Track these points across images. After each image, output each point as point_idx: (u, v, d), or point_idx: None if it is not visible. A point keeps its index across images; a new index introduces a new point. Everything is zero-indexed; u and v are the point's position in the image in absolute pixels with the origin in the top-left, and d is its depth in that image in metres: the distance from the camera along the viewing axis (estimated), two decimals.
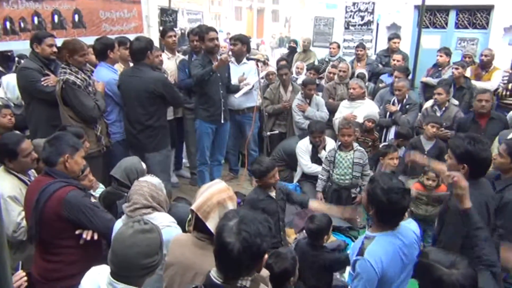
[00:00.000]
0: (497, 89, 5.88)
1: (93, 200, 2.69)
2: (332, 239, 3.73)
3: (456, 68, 5.75)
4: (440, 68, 6.35)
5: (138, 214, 2.33)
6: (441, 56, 6.33)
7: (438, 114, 5.12)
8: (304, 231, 4.05)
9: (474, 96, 5.07)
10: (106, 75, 4.26)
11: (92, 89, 3.99)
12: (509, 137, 3.75)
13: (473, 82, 6.08)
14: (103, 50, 4.28)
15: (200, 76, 4.76)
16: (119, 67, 4.60)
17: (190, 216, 2.28)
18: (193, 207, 2.10)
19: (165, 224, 2.33)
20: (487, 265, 2.04)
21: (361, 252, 2.18)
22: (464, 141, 2.52)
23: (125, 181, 2.86)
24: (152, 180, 2.54)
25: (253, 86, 5.44)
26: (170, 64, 5.40)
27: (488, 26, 7.63)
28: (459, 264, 1.72)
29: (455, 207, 2.32)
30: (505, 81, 5.92)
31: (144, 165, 2.99)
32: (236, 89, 5.41)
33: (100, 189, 3.35)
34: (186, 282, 1.96)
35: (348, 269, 3.56)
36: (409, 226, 2.33)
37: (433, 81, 6.05)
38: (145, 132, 4.25)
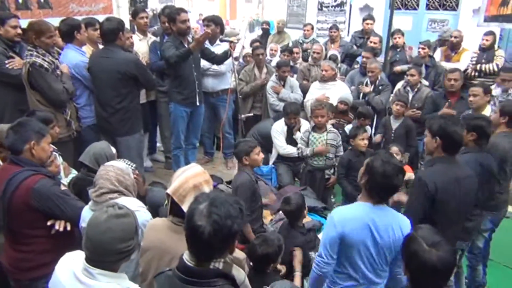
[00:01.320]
0: (466, 69, 6.01)
1: (62, 187, 2.62)
2: (307, 220, 3.78)
3: (423, 48, 5.88)
4: (398, 49, 6.48)
5: (105, 199, 2.30)
6: (399, 37, 6.49)
7: (411, 95, 5.21)
8: (279, 212, 4.09)
9: (444, 74, 5.20)
10: (74, 58, 4.12)
11: (61, 71, 3.86)
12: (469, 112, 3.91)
13: (443, 63, 6.22)
14: (69, 32, 4.13)
15: (177, 57, 4.59)
16: (87, 49, 4.45)
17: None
18: (168, 191, 2.08)
19: (133, 208, 2.30)
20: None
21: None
22: (440, 119, 2.68)
23: (94, 167, 2.79)
24: (118, 164, 2.50)
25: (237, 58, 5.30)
26: (141, 46, 5.27)
27: (458, 8, 7.75)
28: (441, 247, 1.76)
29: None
30: (474, 62, 6.07)
31: (114, 150, 2.93)
32: (225, 54, 5.22)
33: (72, 174, 3.27)
34: (163, 266, 1.96)
35: None
36: (400, 219, 2.34)
37: (405, 67, 6.13)
38: (116, 115, 4.16)
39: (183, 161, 5.16)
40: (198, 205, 1.59)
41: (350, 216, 2.26)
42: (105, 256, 1.70)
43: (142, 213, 2.35)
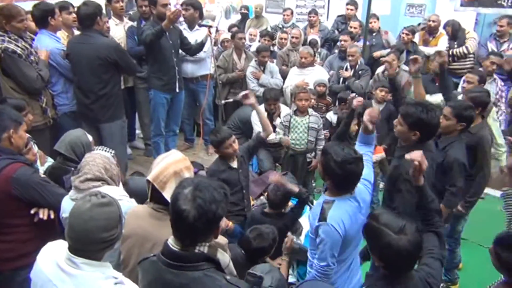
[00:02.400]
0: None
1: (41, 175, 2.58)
2: (289, 204, 3.81)
3: (407, 34, 5.92)
4: (374, 34, 6.54)
5: (87, 187, 2.28)
6: (373, 22, 6.49)
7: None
8: (261, 197, 4.12)
9: (432, 59, 5.23)
10: (48, 45, 4.02)
11: (35, 58, 3.76)
12: (459, 98, 3.92)
13: (421, 47, 6.29)
14: (43, 17, 4.00)
15: (152, 35, 4.50)
16: (62, 34, 4.34)
17: None
18: (149, 177, 2.07)
19: (116, 197, 2.27)
20: (435, 230, 2.14)
21: (322, 218, 2.23)
22: (417, 109, 2.57)
23: (70, 155, 2.74)
24: (105, 153, 2.49)
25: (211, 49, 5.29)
26: (118, 31, 5.17)
27: None
28: (407, 230, 1.78)
29: (407, 175, 2.39)
30: (448, 46, 6.17)
31: (90, 138, 2.88)
32: (201, 45, 5.21)
33: (48, 163, 3.21)
34: (144, 253, 1.95)
35: (304, 232, 3.70)
36: (365, 186, 2.42)
37: (384, 52, 6.18)
38: (99, 101, 4.10)
39: (163, 148, 5.13)
40: (182, 189, 1.59)
41: (344, 216, 2.23)
42: (88, 245, 1.69)
43: (125, 202, 2.34)
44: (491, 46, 6.12)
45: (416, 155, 2.09)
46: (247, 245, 2.68)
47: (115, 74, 4.16)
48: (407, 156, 2.13)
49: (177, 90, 4.99)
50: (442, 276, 3.59)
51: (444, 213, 3.10)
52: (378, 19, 6.60)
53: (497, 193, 5.17)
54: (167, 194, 1.95)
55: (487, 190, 4.89)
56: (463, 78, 4.38)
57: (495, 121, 4.08)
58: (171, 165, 2.06)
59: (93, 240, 1.68)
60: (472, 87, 3.96)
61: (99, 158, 2.40)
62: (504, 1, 4.54)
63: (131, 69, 4.41)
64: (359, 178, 2.26)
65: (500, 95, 4.82)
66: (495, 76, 4.90)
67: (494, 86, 4.80)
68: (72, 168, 2.62)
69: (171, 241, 1.62)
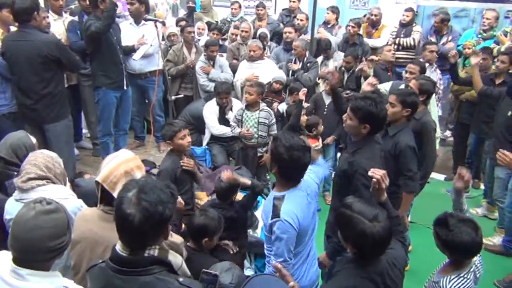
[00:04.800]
0: (387, 44, 6.30)
1: None
2: (241, 196, 3.82)
3: (353, 27, 6.07)
4: (329, 26, 6.65)
5: (31, 186, 2.19)
6: (328, 13, 6.66)
7: (346, 76, 5.39)
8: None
9: (379, 51, 5.44)
10: None
11: None
12: (400, 87, 4.07)
13: (365, 39, 6.46)
14: None
15: (105, 21, 4.32)
16: None
17: None
18: (98, 178, 1.99)
19: (62, 196, 2.20)
20: (398, 239, 2.18)
21: (275, 214, 2.22)
22: (366, 103, 2.58)
23: (12, 159, 2.60)
24: (48, 152, 2.41)
25: (151, 46, 5.19)
26: (57, 26, 4.94)
27: None
28: (379, 217, 1.83)
29: (364, 170, 2.44)
30: (393, 36, 6.39)
31: (33, 139, 2.73)
32: (131, 49, 5.13)
33: None
34: (96, 257, 1.88)
35: (260, 225, 3.72)
36: (310, 176, 2.46)
37: (326, 33, 6.31)
38: (42, 101, 3.92)
39: (112, 147, 4.97)
40: (126, 193, 1.53)
41: (296, 209, 2.24)
42: (35, 255, 1.60)
43: (71, 201, 2.26)
44: (432, 38, 6.40)
45: (377, 173, 2.12)
46: (191, 222, 2.62)
47: (58, 72, 3.99)
48: (369, 173, 2.15)
49: (125, 88, 4.85)
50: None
51: (407, 199, 3.21)
52: (333, 11, 6.69)
53: (441, 176, 5.46)
54: None
55: (432, 174, 5.14)
56: (406, 68, 4.57)
57: (434, 108, 4.29)
58: (121, 165, 2.00)
59: (39, 249, 1.59)
60: (413, 77, 4.14)
61: (41, 157, 2.32)
62: None
63: (74, 66, 4.23)
64: (305, 168, 2.27)
65: (439, 83, 5.06)
66: (435, 65, 5.14)
67: (435, 75, 5.03)
68: (15, 173, 2.48)
69: (118, 246, 1.56)
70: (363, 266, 1.87)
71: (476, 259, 2.20)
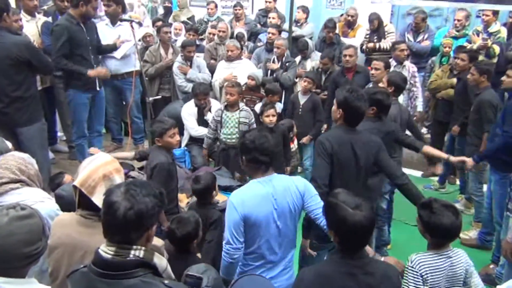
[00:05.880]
0: (362, 44, 6.38)
1: None
2: (224, 198, 3.80)
3: (328, 32, 6.13)
4: (298, 24, 6.71)
5: (4, 190, 2.13)
6: (298, 12, 6.71)
7: (323, 77, 5.43)
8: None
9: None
10: None
11: None
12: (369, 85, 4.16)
13: (342, 39, 6.52)
14: None
15: (68, 69, 4.50)
16: None
17: None
18: (76, 183, 1.94)
19: (37, 199, 2.15)
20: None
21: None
22: (346, 91, 2.74)
23: None
24: (19, 153, 2.36)
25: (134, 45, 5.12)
26: (30, 27, 4.83)
27: None
28: (363, 207, 1.89)
29: None
30: (367, 37, 6.48)
31: (9, 144, 2.66)
32: (112, 48, 5.06)
33: None
34: (75, 263, 1.84)
35: None
36: (293, 179, 2.48)
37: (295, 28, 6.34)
38: (14, 104, 3.82)
39: (88, 150, 4.88)
40: (116, 187, 1.58)
41: (248, 195, 2.32)
42: (9, 263, 1.55)
43: (47, 204, 2.21)
44: (409, 36, 6.52)
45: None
46: (172, 236, 2.61)
47: (29, 74, 3.90)
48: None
49: (97, 89, 4.77)
50: None
51: None
52: (303, 10, 6.75)
53: (418, 173, 5.56)
54: (97, 199, 1.84)
55: (409, 172, 5.22)
56: (371, 65, 4.65)
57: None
58: (100, 168, 1.95)
59: (14, 256, 1.55)
60: (379, 73, 4.34)
61: (12, 159, 2.26)
62: None
63: (46, 68, 4.14)
64: (268, 153, 2.35)
65: (414, 81, 5.14)
66: (405, 63, 5.21)
67: (406, 72, 5.10)
68: None
69: (102, 248, 1.53)
70: (347, 258, 1.91)
71: (463, 255, 2.29)
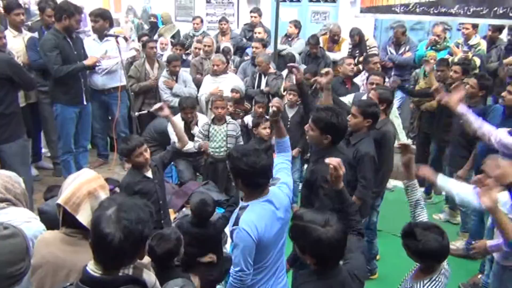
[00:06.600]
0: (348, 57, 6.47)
1: None
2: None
3: (312, 47, 6.23)
4: (290, 39, 6.79)
5: None
6: (290, 27, 6.81)
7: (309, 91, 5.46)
8: (183, 209, 4.03)
9: (340, 63, 5.53)
10: None
11: None
12: (363, 98, 4.17)
13: (327, 53, 6.62)
14: None
15: (69, 73, 4.46)
16: None
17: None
18: (59, 200, 1.90)
19: (24, 220, 2.10)
20: (356, 232, 2.26)
21: (235, 222, 2.25)
22: (327, 114, 2.66)
23: None
24: (5, 172, 2.29)
25: (120, 62, 5.12)
26: (16, 43, 4.77)
27: (337, 0, 8.29)
28: (331, 221, 1.86)
29: (324, 182, 2.51)
30: (350, 52, 6.59)
31: None
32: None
33: None
34: (59, 282, 1.80)
35: (230, 241, 3.68)
36: (282, 189, 2.46)
37: (283, 47, 6.42)
38: None
39: (74, 166, 4.82)
40: (104, 211, 1.49)
41: (258, 219, 2.24)
42: None
43: (33, 224, 2.15)
44: (390, 49, 6.65)
45: (333, 161, 2.18)
46: (152, 253, 2.55)
47: (11, 90, 3.86)
48: (326, 160, 2.20)
49: (85, 103, 4.74)
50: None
51: (356, 202, 3.28)
52: (295, 25, 6.83)
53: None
54: (82, 217, 1.81)
55: (395, 183, 5.27)
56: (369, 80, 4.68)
57: (396, 118, 4.41)
58: (84, 185, 1.92)
59: None
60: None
61: None
62: (397, 8, 4.94)
63: (28, 85, 4.11)
64: (266, 171, 2.27)
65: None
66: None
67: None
68: None
69: (91, 267, 1.50)
70: (324, 279, 1.88)
71: (444, 262, 2.26)
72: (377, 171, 3.43)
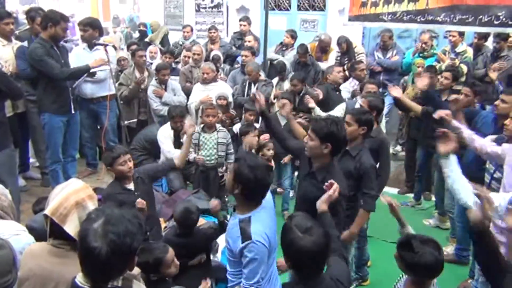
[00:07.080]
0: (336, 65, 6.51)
1: None
2: (202, 222, 3.76)
3: (301, 56, 6.26)
4: (284, 49, 6.83)
5: None
6: (287, 37, 6.82)
7: (297, 99, 5.46)
8: (173, 219, 3.99)
9: (329, 71, 5.52)
10: None
11: None
12: (356, 106, 4.19)
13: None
14: None
15: (72, 74, 4.54)
16: None
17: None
18: (46, 211, 1.87)
19: (12, 233, 2.07)
20: (338, 255, 2.21)
21: (246, 237, 2.17)
22: (327, 123, 2.63)
23: None
24: None
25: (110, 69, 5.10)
26: (6, 52, 4.73)
27: (325, 9, 8.35)
28: (313, 231, 1.86)
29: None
30: (338, 60, 6.64)
31: None
32: (86, 69, 4.98)
33: None
34: None
35: (220, 249, 3.66)
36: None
37: (276, 56, 6.47)
38: None
39: (62, 176, 4.77)
40: (91, 223, 1.45)
41: (265, 228, 2.22)
42: None
43: (23, 237, 2.12)
44: (378, 54, 6.72)
45: (332, 187, 2.26)
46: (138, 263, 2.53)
47: None
48: (327, 183, 2.26)
49: (73, 112, 4.71)
50: (354, 274, 3.79)
51: (363, 217, 3.28)
52: (291, 35, 6.84)
53: (394, 190, 5.63)
54: (69, 228, 1.79)
55: (386, 189, 5.28)
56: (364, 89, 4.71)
57: (383, 126, 4.44)
58: (72, 195, 1.89)
59: None
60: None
61: None
62: (385, 16, 5.00)
63: (14, 94, 4.07)
64: (267, 188, 2.29)
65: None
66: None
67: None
68: None
69: (79, 279, 1.48)
70: (307, 286, 1.88)
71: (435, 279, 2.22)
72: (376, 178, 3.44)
